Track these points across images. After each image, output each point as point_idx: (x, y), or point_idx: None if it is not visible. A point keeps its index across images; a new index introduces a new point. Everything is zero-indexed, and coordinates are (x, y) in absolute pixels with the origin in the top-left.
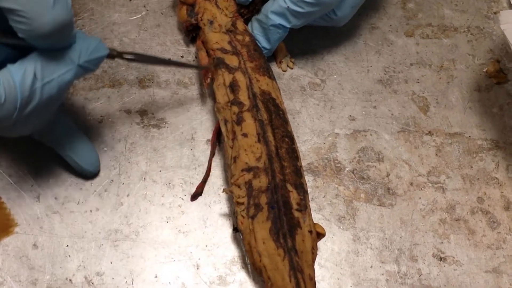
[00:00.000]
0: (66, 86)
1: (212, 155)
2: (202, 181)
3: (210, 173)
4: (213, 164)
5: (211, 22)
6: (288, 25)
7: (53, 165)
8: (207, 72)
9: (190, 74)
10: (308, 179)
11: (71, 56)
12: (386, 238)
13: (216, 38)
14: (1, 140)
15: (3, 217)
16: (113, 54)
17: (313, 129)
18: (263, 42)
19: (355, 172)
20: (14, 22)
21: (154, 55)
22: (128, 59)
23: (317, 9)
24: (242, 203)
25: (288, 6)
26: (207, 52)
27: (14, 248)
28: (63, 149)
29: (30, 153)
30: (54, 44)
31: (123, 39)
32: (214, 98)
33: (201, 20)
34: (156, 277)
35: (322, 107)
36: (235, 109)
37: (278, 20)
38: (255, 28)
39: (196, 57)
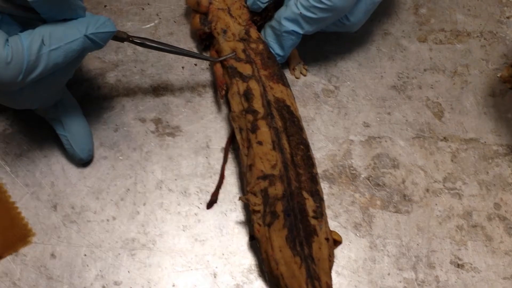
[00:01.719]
0: (72, 56)
1: (224, 162)
2: (216, 188)
3: (225, 181)
4: (228, 172)
5: (225, 31)
6: (301, 31)
7: (70, 174)
8: (222, 83)
9: (204, 82)
10: (324, 186)
11: (79, 27)
12: (403, 245)
13: (230, 48)
14: (17, 150)
15: (21, 227)
16: (123, 37)
17: (327, 136)
18: (276, 49)
19: (370, 179)
20: None
21: (163, 42)
22: (137, 43)
23: (330, 15)
24: (258, 211)
25: (301, 12)
26: (221, 62)
27: (32, 258)
28: (61, 129)
29: (46, 162)
30: (61, 12)
31: (136, 47)
32: (228, 106)
33: (215, 29)
34: (173, 286)
35: (336, 114)
36: (249, 117)
37: (291, 26)
38: (268, 34)
39: (209, 65)
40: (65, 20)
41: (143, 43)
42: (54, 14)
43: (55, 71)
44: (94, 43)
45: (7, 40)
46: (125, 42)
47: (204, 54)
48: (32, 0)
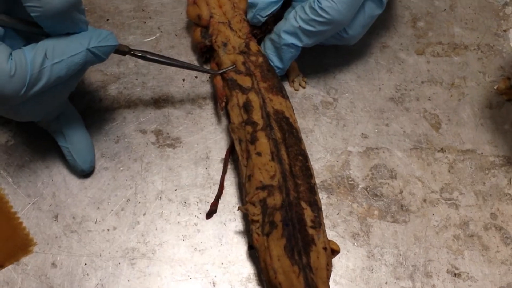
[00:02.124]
0: (75, 69)
1: (224, 172)
2: (215, 198)
3: (224, 191)
4: (227, 182)
5: (225, 45)
6: (300, 44)
7: (71, 185)
8: (222, 95)
9: (204, 94)
10: (322, 196)
11: (81, 41)
12: (400, 255)
13: (230, 61)
14: (19, 161)
15: (22, 236)
16: (125, 51)
17: (326, 147)
18: (276, 61)
19: (368, 189)
20: (27, 1)
21: (164, 55)
22: (139, 56)
23: (329, 28)
24: (257, 221)
25: (300, 26)
26: (221, 74)
27: (33, 267)
28: (63, 140)
29: (48, 173)
30: (64, 26)
31: (138, 60)
32: (228, 118)
33: (215, 42)
34: None
35: (335, 125)
36: (249, 128)
37: (290, 39)
38: (267, 47)
39: (210, 77)
40: (68, 34)
41: (145, 56)
42: (57, 28)
43: (57, 84)
44: (97, 56)
45: (10, 54)
46: (126, 55)
47: (205, 67)
48: (36, 14)
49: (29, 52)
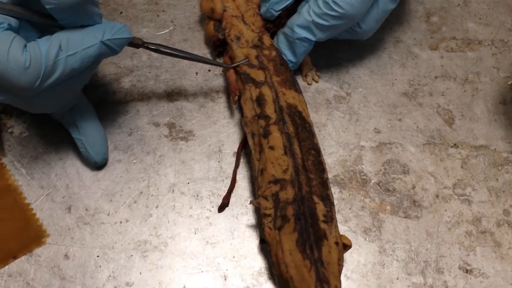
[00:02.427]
0: (89, 61)
1: (236, 166)
2: (227, 192)
3: (236, 185)
4: (240, 176)
5: (238, 38)
6: (313, 38)
7: (84, 177)
8: (235, 88)
9: (217, 88)
10: (334, 191)
11: (95, 34)
12: (412, 250)
13: (243, 54)
14: (33, 152)
15: (36, 228)
16: (138, 43)
17: (338, 141)
18: (289, 56)
19: (380, 184)
20: None
21: (178, 48)
22: (152, 49)
23: (342, 22)
24: (269, 215)
25: (313, 20)
26: (234, 68)
27: (46, 259)
28: (77, 132)
29: (61, 165)
30: (78, 18)
31: (151, 53)
32: (241, 112)
33: (228, 36)
34: (184, 287)
35: (348, 120)
36: (262, 122)
37: (303, 33)
38: (281, 41)
39: (222, 71)
40: (82, 26)
41: (158, 49)
42: (71, 20)
43: (71, 76)
44: (110, 49)
45: (25, 46)
46: (140, 48)
47: (218, 60)
48: (50, 7)
49: (43, 44)
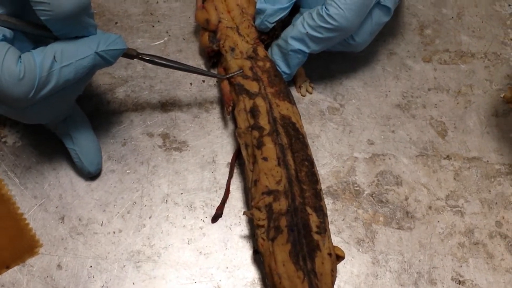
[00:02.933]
0: (83, 72)
1: (230, 177)
2: (221, 202)
3: (230, 195)
4: (233, 187)
5: (233, 49)
6: (307, 50)
7: (78, 187)
8: (229, 99)
9: (211, 99)
10: (328, 202)
11: (90, 45)
12: (405, 261)
13: (237, 65)
14: (27, 162)
15: (29, 237)
16: (133, 54)
17: (332, 153)
18: (283, 67)
19: (374, 195)
20: (37, 5)
21: (172, 59)
22: (147, 60)
23: (336, 34)
24: (263, 226)
25: (307, 32)
26: (228, 79)
27: (39, 269)
28: (71, 143)
29: (55, 175)
30: (73, 29)
31: (145, 64)
32: (235, 123)
33: (223, 47)
34: None
35: (341, 131)
36: (255, 133)
37: (297, 45)
38: (275, 53)
39: (217, 81)
40: (76, 37)
41: (152, 60)
42: (66, 31)
43: (65, 87)
44: (105, 60)
45: (19, 56)
46: (134, 59)
47: (212, 71)
48: (45, 18)
49: (38, 55)
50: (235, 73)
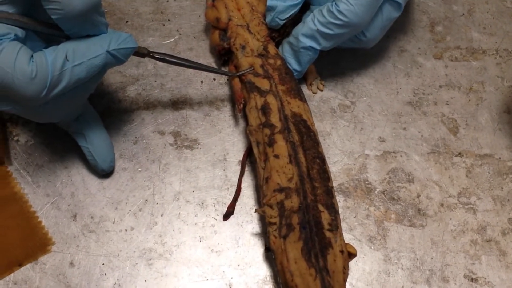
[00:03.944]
0: (94, 71)
1: (241, 174)
2: (232, 200)
3: (241, 193)
4: (245, 184)
5: (243, 47)
6: (318, 47)
7: (90, 185)
8: (240, 97)
9: (222, 97)
10: (339, 199)
11: (101, 44)
12: (417, 259)
13: (248, 63)
14: (39, 160)
15: (41, 236)
16: (144, 53)
17: (343, 150)
18: (293, 64)
19: (385, 193)
20: (47, 3)
21: (183, 57)
22: (157, 58)
23: (346, 31)
24: (274, 223)
25: (318, 29)
26: (239, 77)
27: (51, 267)
28: (84, 141)
29: (67, 173)
30: (84, 28)
31: (156, 62)
32: (246, 120)
33: (234, 44)
34: None
35: (352, 129)
36: (267, 131)
37: (308, 42)
38: (285, 50)
39: (228, 80)
40: (88, 36)
41: (163, 58)
42: (77, 30)
43: (77, 86)
44: (116, 58)
45: (31, 56)
46: (146, 58)
47: (223, 69)
48: (56, 17)
49: (50, 55)
50: (246, 70)
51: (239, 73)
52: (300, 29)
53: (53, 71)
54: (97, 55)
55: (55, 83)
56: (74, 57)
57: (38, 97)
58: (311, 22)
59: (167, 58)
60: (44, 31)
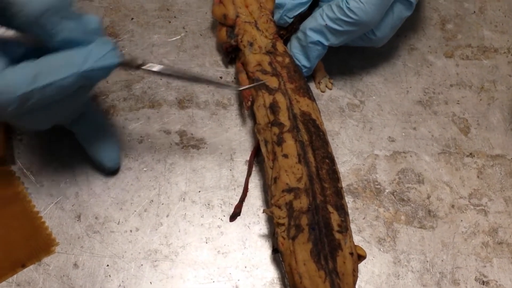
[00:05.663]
0: (68, 90)
1: (248, 174)
2: (239, 200)
3: (248, 193)
4: (252, 185)
5: (251, 44)
6: (326, 43)
7: (94, 185)
8: (247, 94)
9: (229, 95)
10: (348, 200)
11: (74, 61)
12: (427, 261)
13: (256, 60)
14: (43, 160)
15: (45, 236)
16: (135, 65)
17: (352, 150)
18: (302, 60)
19: (395, 194)
20: (8, 6)
21: (183, 69)
22: (153, 72)
23: (356, 28)
24: (283, 224)
25: (326, 24)
26: (247, 74)
27: (55, 268)
28: (88, 140)
29: (71, 173)
30: (58, 36)
31: (162, 60)
32: (253, 119)
33: (241, 41)
34: None
35: (361, 128)
36: (275, 130)
37: (316, 37)
38: (294, 46)
39: (235, 77)
40: (70, 44)
41: (160, 72)
42: (52, 39)
43: (62, 97)
44: (91, 79)
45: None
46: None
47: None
48: (20, 21)
49: (20, 72)
50: (253, 85)
51: (244, 88)
52: (308, 23)
53: (19, 89)
54: (66, 76)
55: (25, 100)
56: (43, 78)
57: (7, 110)
58: (320, 17)
59: (164, 72)
60: (25, 41)
